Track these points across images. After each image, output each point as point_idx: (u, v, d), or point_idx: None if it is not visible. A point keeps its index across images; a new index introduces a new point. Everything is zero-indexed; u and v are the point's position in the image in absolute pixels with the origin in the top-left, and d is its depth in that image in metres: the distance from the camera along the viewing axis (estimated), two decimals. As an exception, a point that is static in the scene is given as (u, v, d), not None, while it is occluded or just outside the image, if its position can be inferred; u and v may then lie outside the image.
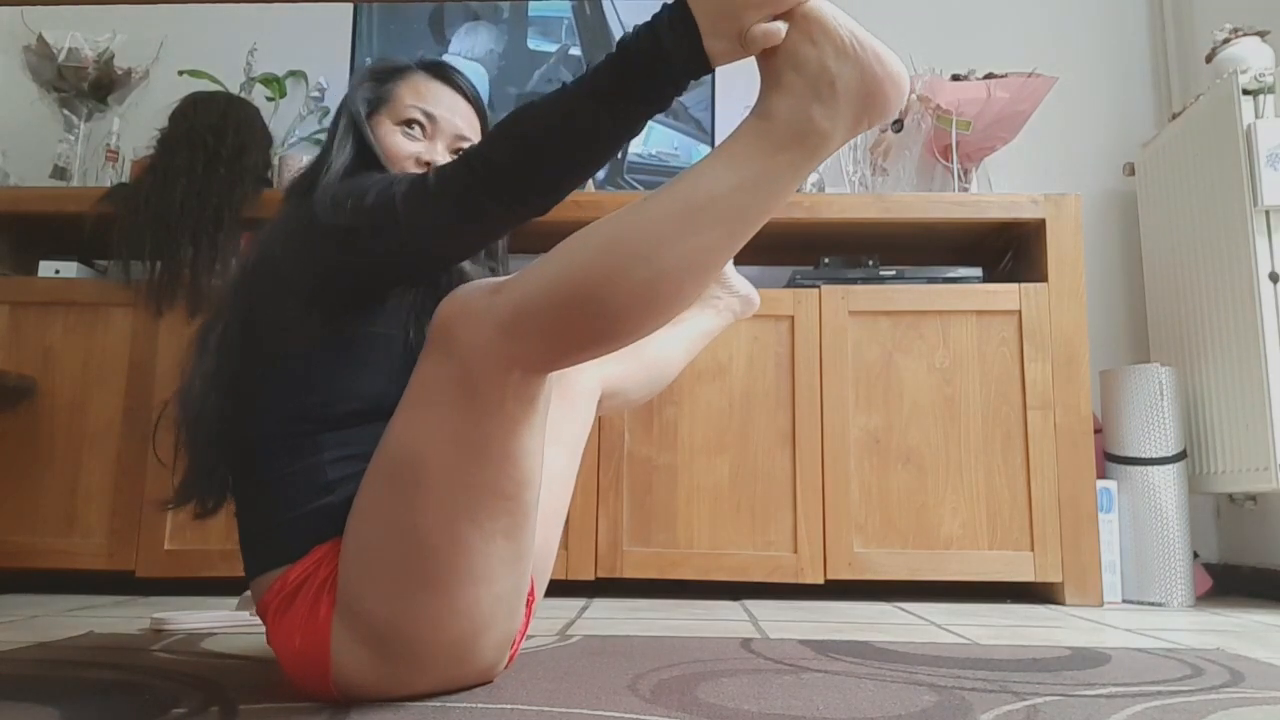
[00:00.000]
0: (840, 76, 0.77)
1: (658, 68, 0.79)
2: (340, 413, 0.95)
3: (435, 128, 1.09)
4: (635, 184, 2.33)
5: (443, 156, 1.08)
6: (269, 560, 0.94)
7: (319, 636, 0.88)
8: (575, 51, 2.41)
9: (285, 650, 0.91)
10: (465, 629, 0.89)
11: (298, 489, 0.93)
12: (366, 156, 1.05)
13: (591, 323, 0.78)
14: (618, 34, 2.36)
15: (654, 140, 2.36)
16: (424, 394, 0.85)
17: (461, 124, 1.11)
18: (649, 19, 0.80)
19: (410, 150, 1.07)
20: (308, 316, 0.96)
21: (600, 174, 2.35)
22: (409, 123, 1.08)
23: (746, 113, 0.81)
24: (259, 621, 1.53)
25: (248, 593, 1.62)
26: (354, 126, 1.06)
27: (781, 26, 0.77)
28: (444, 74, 1.13)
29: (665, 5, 0.79)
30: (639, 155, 2.34)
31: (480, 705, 0.91)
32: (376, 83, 1.11)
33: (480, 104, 1.15)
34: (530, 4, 2.43)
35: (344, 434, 0.94)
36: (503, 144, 0.86)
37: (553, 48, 2.40)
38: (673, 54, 0.78)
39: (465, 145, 1.10)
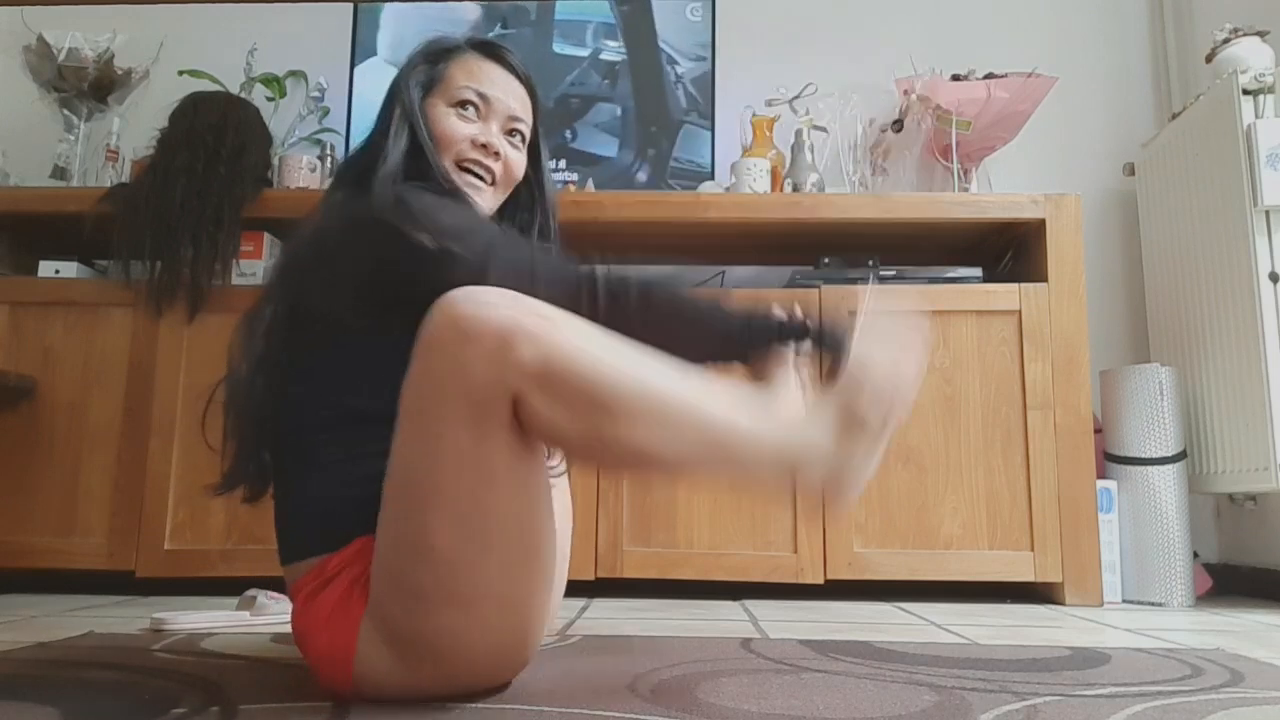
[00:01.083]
0: (868, 421, 0.88)
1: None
2: (387, 413, 0.94)
3: (489, 109, 1.08)
4: (674, 185, 2.34)
5: (497, 138, 1.08)
6: (309, 546, 0.94)
7: (347, 635, 0.88)
8: (607, 56, 2.41)
9: (310, 640, 0.91)
10: (490, 645, 0.89)
11: (344, 476, 0.93)
12: (420, 149, 1.04)
13: (603, 436, 0.81)
14: (663, 35, 2.39)
15: (689, 148, 2.38)
16: (432, 404, 0.83)
17: (515, 105, 1.10)
18: (805, 321, 0.94)
19: (465, 132, 1.06)
20: (356, 313, 0.95)
21: (643, 175, 2.36)
22: (463, 104, 1.07)
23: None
24: (259, 621, 1.54)
25: (248, 592, 1.62)
26: (408, 116, 1.05)
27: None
28: (495, 53, 1.12)
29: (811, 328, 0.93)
30: (677, 160, 2.36)
31: (480, 705, 0.91)
32: (429, 64, 1.10)
33: (531, 83, 1.14)
34: (556, 8, 2.44)
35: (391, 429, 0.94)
36: (623, 303, 0.89)
37: (581, 52, 2.41)
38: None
39: (518, 126, 1.10)
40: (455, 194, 1.04)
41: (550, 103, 2.37)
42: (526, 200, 1.16)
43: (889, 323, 0.90)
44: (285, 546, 0.97)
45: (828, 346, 0.92)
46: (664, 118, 2.38)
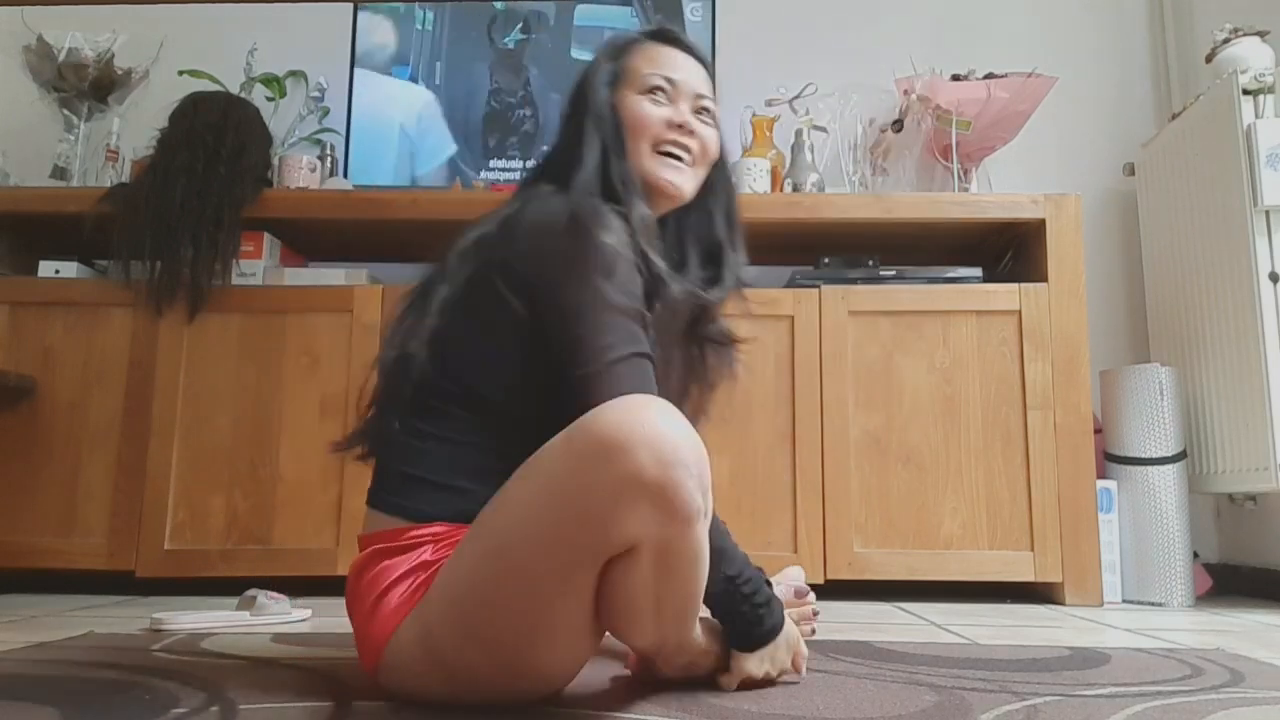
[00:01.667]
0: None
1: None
2: (500, 407, 0.96)
3: (677, 91, 1.11)
4: None
5: (688, 116, 1.10)
6: (398, 507, 0.96)
7: (389, 621, 0.90)
8: None
9: (358, 605, 0.94)
10: (528, 692, 0.92)
11: (461, 459, 0.96)
12: (614, 147, 1.07)
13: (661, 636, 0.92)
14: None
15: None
16: (556, 507, 0.83)
17: (700, 84, 1.13)
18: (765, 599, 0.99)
19: (659, 115, 1.09)
20: (518, 322, 0.97)
21: None
22: (652, 90, 1.10)
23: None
24: (258, 621, 1.54)
25: (248, 592, 1.62)
26: (600, 115, 1.08)
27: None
28: (673, 38, 1.15)
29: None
30: None
31: (479, 705, 0.91)
32: (611, 61, 1.13)
33: (709, 63, 1.16)
34: (575, 14, 2.45)
35: (524, 439, 0.92)
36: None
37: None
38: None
39: (706, 104, 1.12)
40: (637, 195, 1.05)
41: (569, 108, 2.40)
42: (713, 181, 1.17)
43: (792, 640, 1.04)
44: (376, 493, 1.00)
45: (752, 642, 1.01)
46: None
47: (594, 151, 1.05)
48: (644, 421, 0.80)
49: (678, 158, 1.09)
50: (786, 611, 1.07)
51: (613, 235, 0.96)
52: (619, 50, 1.13)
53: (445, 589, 0.88)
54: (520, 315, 0.96)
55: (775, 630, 1.00)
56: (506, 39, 2.46)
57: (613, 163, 1.06)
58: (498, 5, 2.48)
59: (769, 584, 1.02)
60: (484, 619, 0.86)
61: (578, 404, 0.88)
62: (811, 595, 1.23)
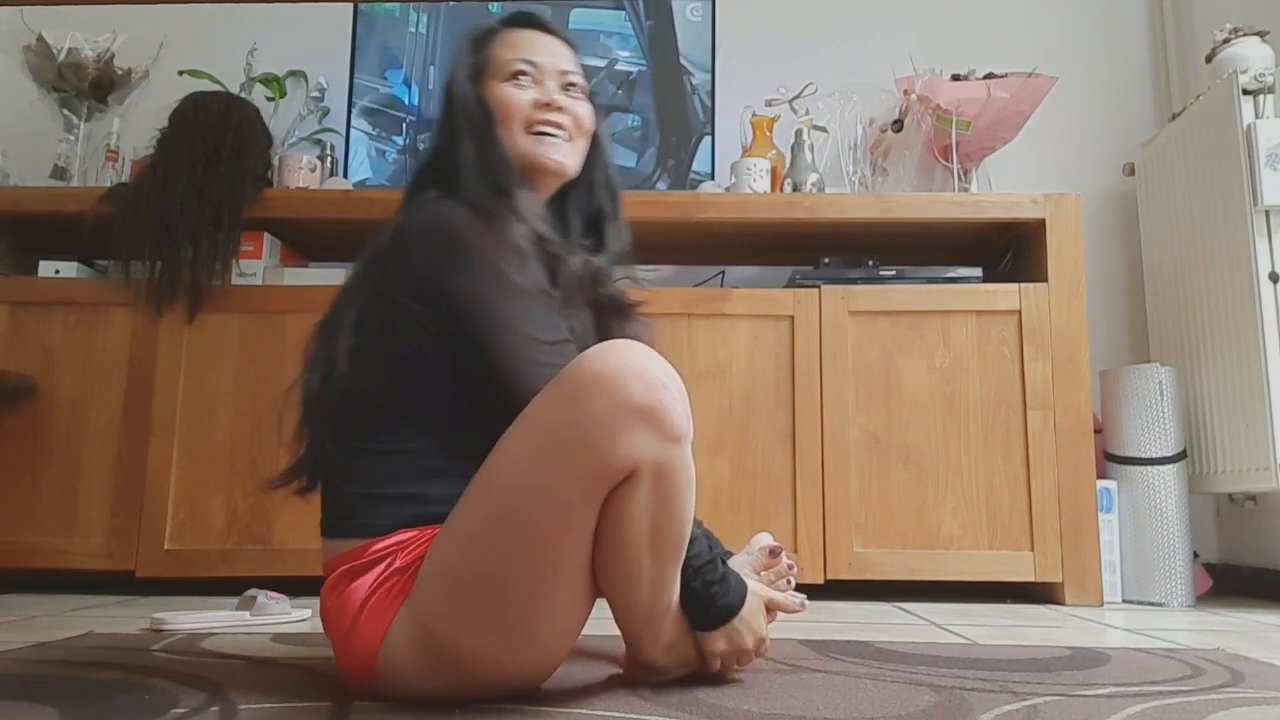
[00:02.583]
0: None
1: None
2: (432, 408, 0.97)
3: (541, 72, 1.12)
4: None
5: (555, 94, 1.11)
6: (354, 528, 0.96)
7: (379, 624, 0.90)
8: (623, 67, 2.42)
9: (340, 622, 0.93)
10: (519, 670, 0.92)
11: (391, 470, 0.96)
12: (487, 138, 1.08)
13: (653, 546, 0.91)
14: (683, 46, 2.41)
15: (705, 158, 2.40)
16: (559, 445, 0.86)
17: (564, 62, 1.14)
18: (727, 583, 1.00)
19: (526, 98, 1.10)
20: (429, 327, 0.97)
21: (664, 185, 2.37)
22: (515, 75, 1.11)
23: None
24: (258, 621, 1.54)
25: (248, 592, 1.62)
26: (467, 109, 1.09)
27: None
28: (531, 22, 1.16)
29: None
30: (696, 173, 2.38)
31: (479, 705, 0.91)
32: (473, 53, 1.14)
33: (572, 40, 1.18)
34: (571, 19, 2.45)
35: (462, 435, 0.94)
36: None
37: (596, 63, 2.42)
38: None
39: (572, 79, 1.13)
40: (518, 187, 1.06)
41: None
42: (590, 155, 1.17)
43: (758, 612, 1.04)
44: (329, 521, 1.00)
45: (710, 620, 1.01)
46: (684, 128, 2.39)
47: (469, 148, 1.06)
48: (627, 356, 0.86)
49: (553, 135, 1.10)
50: (762, 572, 1.09)
51: (507, 227, 0.98)
52: (478, 42, 1.14)
53: (437, 572, 0.89)
54: (426, 320, 0.97)
55: (733, 609, 1.00)
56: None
57: (488, 155, 1.07)
58: (492, 8, 2.47)
59: (723, 561, 1.03)
60: (483, 587, 0.87)
61: (513, 395, 0.91)
62: (785, 553, 1.22)
